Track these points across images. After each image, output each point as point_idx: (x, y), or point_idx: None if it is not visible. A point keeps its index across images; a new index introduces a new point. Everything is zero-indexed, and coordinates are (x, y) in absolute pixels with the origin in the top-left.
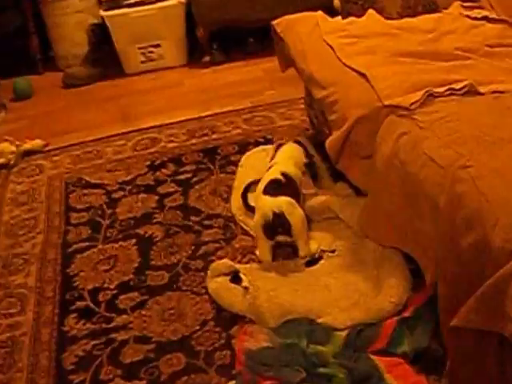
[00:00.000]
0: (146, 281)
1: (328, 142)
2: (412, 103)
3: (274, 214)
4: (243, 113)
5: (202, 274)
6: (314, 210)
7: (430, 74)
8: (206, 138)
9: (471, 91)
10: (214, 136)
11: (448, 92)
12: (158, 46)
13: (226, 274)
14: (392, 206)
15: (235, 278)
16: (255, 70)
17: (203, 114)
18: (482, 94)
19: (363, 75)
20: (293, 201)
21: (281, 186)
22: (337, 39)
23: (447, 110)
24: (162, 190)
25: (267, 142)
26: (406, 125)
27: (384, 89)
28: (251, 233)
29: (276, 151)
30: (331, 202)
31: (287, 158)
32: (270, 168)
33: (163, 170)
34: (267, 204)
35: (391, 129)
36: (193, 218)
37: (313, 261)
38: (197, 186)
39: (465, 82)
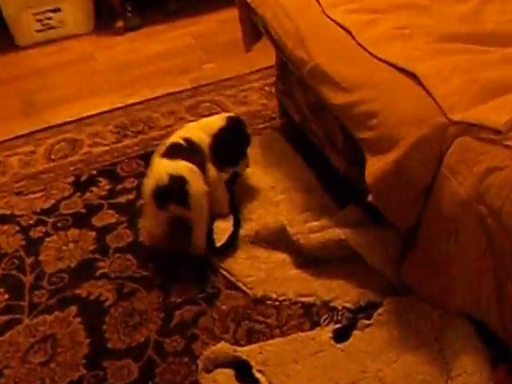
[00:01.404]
0: (107, 379)
1: (371, 174)
2: (506, 123)
3: (171, 176)
4: (182, 97)
5: (187, 359)
6: (323, 245)
7: (497, 68)
8: (142, 137)
9: None
10: (153, 133)
11: None
12: (57, 10)
13: (226, 365)
14: (466, 263)
15: (241, 369)
16: (182, 36)
17: (130, 102)
18: None
19: (407, 72)
20: (195, 168)
21: (182, 151)
22: (348, 15)
23: None
24: (98, 221)
25: None
26: (499, 155)
27: (446, 96)
28: None
29: None
30: (344, 234)
31: (195, 124)
32: None
33: (94, 189)
34: (163, 166)
35: (470, 158)
36: (151, 263)
37: (341, 331)
38: None
39: None
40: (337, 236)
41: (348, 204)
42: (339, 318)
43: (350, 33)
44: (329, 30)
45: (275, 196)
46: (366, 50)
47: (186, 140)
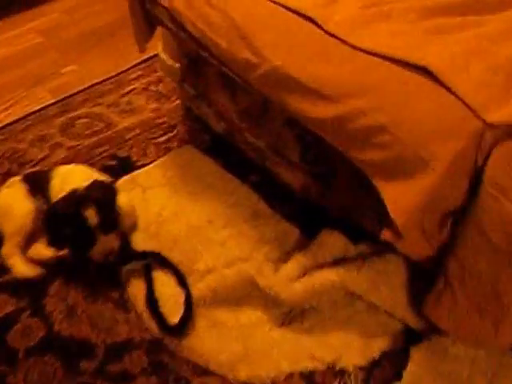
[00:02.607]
0: None
1: (400, 211)
2: None
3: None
4: (49, 115)
5: None
6: (311, 294)
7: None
8: None
9: None
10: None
11: None
12: None
13: None
14: None
15: None
16: (25, 34)
17: None
18: None
19: (411, 66)
20: None
21: None
22: None
23: None
24: None
25: (121, 166)
26: None
27: (471, 91)
28: None
29: None
30: (337, 275)
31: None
32: None
33: None
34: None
35: None
36: (84, 363)
37: None
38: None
39: None
40: (327, 279)
41: (318, 230)
42: (353, 382)
43: (310, 19)
44: (279, 18)
45: (217, 232)
46: (342, 40)
47: None
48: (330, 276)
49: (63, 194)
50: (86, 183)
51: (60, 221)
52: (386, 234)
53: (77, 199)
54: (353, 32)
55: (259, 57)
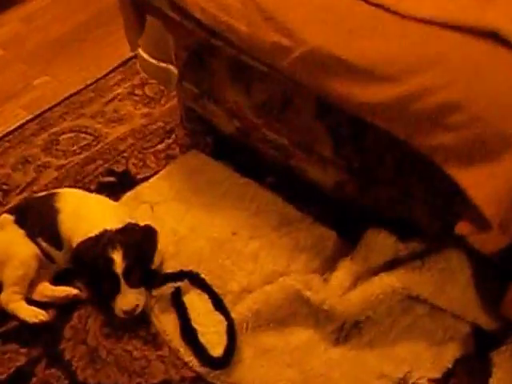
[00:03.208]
0: None
1: (488, 200)
2: None
3: None
4: (27, 135)
5: None
6: (368, 305)
7: None
8: None
9: None
10: (11, 199)
11: None
12: None
13: None
14: None
15: None
16: None
17: None
18: None
19: (481, 34)
20: None
21: None
22: None
23: None
24: None
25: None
26: None
27: None
28: None
29: None
30: (398, 281)
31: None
32: None
33: None
34: None
35: None
36: None
37: None
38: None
39: None
40: (387, 285)
41: (357, 230)
42: None
43: None
44: None
45: (245, 245)
46: (389, 11)
47: None
48: (389, 281)
49: (83, 233)
50: (112, 221)
51: (86, 262)
52: (462, 228)
53: (107, 241)
54: (400, 0)
55: (292, 39)
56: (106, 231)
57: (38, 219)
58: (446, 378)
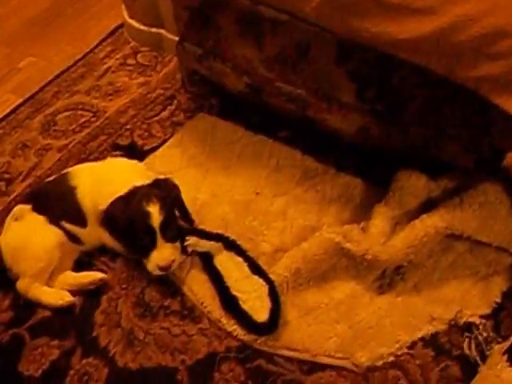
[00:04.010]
0: None
1: None
2: None
3: None
4: (22, 118)
5: None
6: (412, 249)
7: None
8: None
9: None
10: (16, 188)
11: None
12: None
13: None
14: None
15: None
16: None
17: None
18: None
19: None
20: None
21: None
22: None
23: None
24: None
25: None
26: None
27: None
28: None
29: None
30: (442, 221)
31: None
32: None
33: None
34: None
35: None
36: None
37: None
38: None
39: None
40: (430, 226)
41: (382, 175)
42: (485, 334)
43: None
44: None
45: (270, 204)
46: None
47: None
48: (432, 222)
49: (109, 196)
50: (138, 178)
51: (119, 221)
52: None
53: (142, 196)
54: None
55: None
56: (136, 187)
57: (56, 202)
58: (496, 313)
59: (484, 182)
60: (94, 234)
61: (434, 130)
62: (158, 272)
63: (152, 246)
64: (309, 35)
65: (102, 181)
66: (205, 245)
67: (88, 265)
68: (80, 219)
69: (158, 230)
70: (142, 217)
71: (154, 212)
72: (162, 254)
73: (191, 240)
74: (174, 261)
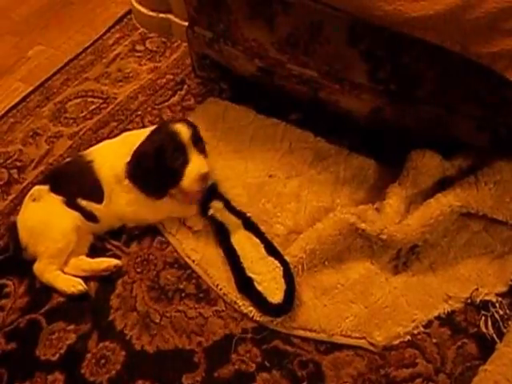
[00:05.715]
0: None
1: None
2: None
3: None
4: (32, 106)
5: None
6: (427, 228)
7: None
8: (17, 188)
9: None
10: (28, 176)
11: None
12: None
13: None
14: None
15: None
16: None
17: None
18: None
19: None
20: None
21: None
22: None
23: None
24: None
25: None
26: None
27: None
28: None
29: None
30: (455, 199)
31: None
32: None
33: None
34: None
35: None
36: (187, 377)
37: None
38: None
39: None
40: (446, 205)
41: (395, 155)
42: (502, 312)
43: None
44: None
45: (283, 186)
46: None
47: None
48: (447, 201)
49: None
50: None
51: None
52: None
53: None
54: None
55: None
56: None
57: (73, 180)
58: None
59: (499, 161)
60: (109, 212)
61: (447, 108)
62: (196, 186)
63: (185, 162)
64: (321, 15)
65: (121, 151)
66: (227, 216)
67: (102, 250)
68: (97, 195)
69: (189, 144)
70: (171, 136)
71: (182, 128)
72: (198, 164)
73: (217, 204)
74: (206, 173)
